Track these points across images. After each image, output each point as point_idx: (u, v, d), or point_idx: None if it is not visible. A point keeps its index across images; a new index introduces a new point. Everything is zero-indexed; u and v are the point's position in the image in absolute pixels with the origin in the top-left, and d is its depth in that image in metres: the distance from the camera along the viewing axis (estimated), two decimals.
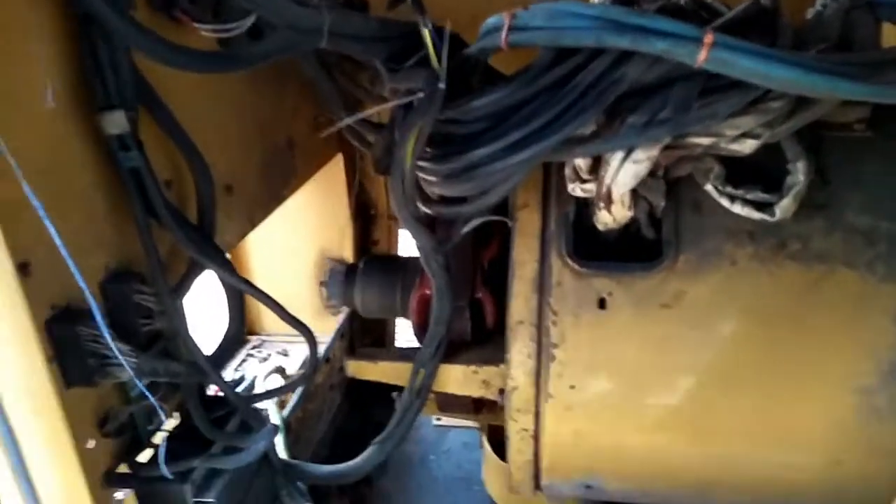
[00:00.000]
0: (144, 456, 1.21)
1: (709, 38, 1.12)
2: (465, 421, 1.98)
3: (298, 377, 1.57)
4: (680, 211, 1.34)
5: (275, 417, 2.11)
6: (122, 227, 1.15)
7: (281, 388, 1.52)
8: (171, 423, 1.27)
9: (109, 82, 1.05)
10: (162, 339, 1.20)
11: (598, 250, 1.38)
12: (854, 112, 1.36)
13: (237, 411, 1.37)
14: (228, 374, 2.88)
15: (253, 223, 1.77)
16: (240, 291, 1.36)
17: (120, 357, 1.04)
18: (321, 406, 2.49)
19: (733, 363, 1.28)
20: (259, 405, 1.73)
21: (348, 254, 2.65)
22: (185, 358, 1.22)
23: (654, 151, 1.21)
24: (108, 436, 1.15)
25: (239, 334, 1.41)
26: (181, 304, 1.25)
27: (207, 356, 1.33)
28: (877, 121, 1.36)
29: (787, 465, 1.31)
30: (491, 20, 1.33)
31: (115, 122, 1.07)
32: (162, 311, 1.16)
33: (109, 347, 1.03)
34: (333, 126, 1.61)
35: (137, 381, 1.11)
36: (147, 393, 1.13)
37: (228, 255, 2.95)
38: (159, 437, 1.23)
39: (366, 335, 2.55)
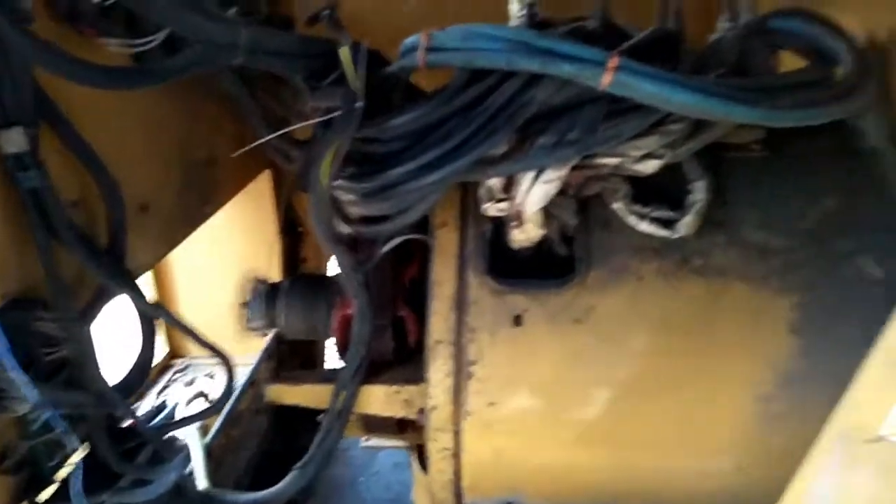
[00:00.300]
0: (47, 493, 1.15)
1: (613, 62, 1.17)
2: (394, 441, 1.96)
3: (213, 404, 1.52)
4: (591, 229, 1.39)
5: (195, 445, 2.04)
6: (24, 250, 1.09)
7: (191, 416, 1.47)
8: (77, 456, 1.20)
9: (6, 98, 1.01)
10: (67, 368, 1.14)
11: (514, 268, 1.41)
12: (751, 134, 1.44)
13: (149, 442, 1.31)
14: (150, 400, 2.78)
15: (171, 243, 1.71)
16: (151, 316, 1.31)
17: (21, 388, 0.98)
18: (246, 431, 2.42)
19: (643, 375, 1.33)
20: (180, 432, 1.67)
21: (276, 272, 2.60)
22: (93, 387, 1.17)
23: (563, 172, 1.25)
24: (6, 473, 1.09)
25: (150, 361, 1.35)
26: (88, 330, 1.20)
27: (116, 384, 1.28)
28: (773, 141, 1.44)
29: (698, 473, 1.36)
30: (409, 40, 1.35)
31: (13, 140, 1.03)
32: (67, 338, 1.11)
33: (6, 379, 0.97)
34: (254, 143, 1.58)
35: (42, 414, 1.05)
36: (50, 425, 1.07)
37: (149, 276, 2.86)
38: (63, 472, 1.16)
39: (294, 357, 2.51)
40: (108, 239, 1.26)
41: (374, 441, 2.78)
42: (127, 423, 1.30)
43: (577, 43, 1.20)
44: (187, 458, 2.01)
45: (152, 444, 1.32)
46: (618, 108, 1.24)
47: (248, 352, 2.54)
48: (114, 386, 1.26)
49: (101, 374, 1.19)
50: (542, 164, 1.24)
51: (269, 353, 2.46)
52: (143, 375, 1.32)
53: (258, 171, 2.28)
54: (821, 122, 1.23)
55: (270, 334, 2.13)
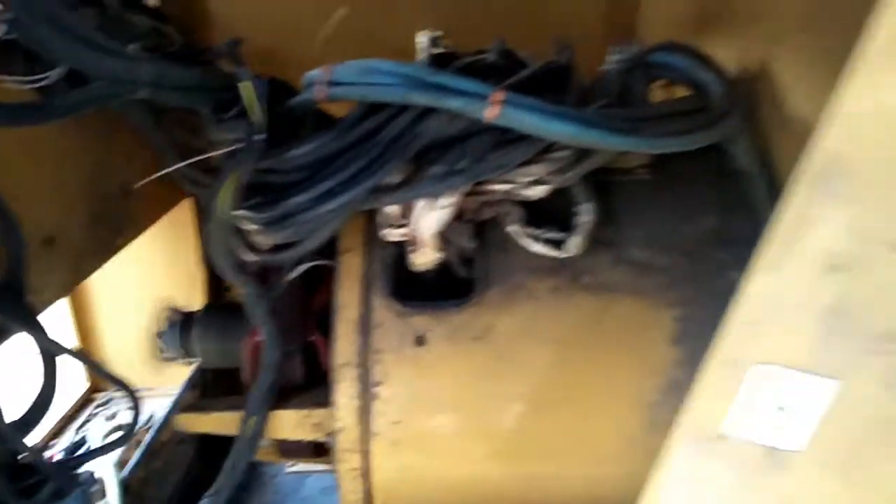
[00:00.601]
0: None
1: (497, 97, 1.25)
2: (320, 465, 1.98)
3: (117, 440, 1.51)
4: (489, 251, 1.46)
5: (110, 479, 2.00)
6: None
7: (94, 451, 1.45)
8: None
9: None
10: None
11: (418, 290, 1.46)
12: (637, 159, 1.55)
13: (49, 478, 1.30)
14: (69, 436, 2.70)
15: (80, 276, 1.70)
16: (51, 353, 1.31)
17: None
18: (169, 462, 2.38)
19: (540, 388, 1.39)
20: (95, 467, 1.65)
21: (199, 302, 2.58)
22: None
23: (456, 198, 1.32)
24: None
25: (51, 397, 1.34)
26: None
27: (14, 420, 1.26)
28: (657, 165, 1.55)
29: (594, 480, 1.44)
30: (310, 74, 1.40)
31: None
32: None
33: None
34: (159, 172, 1.60)
35: None
36: None
37: (68, 306, 2.79)
38: None
39: (219, 385, 2.49)
40: (5, 275, 1.25)
41: (301, 466, 2.78)
42: (25, 458, 1.28)
43: (465, 78, 1.28)
44: (103, 493, 1.98)
45: (54, 480, 1.30)
46: (506, 138, 1.32)
47: (176, 382, 2.51)
48: (12, 422, 1.25)
49: None
50: (435, 192, 1.31)
51: (192, 383, 2.44)
52: (42, 412, 1.31)
53: (176, 201, 2.28)
54: (690, 149, 1.35)
55: (195, 363, 2.11)
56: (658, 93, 1.75)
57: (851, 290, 0.84)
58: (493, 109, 1.24)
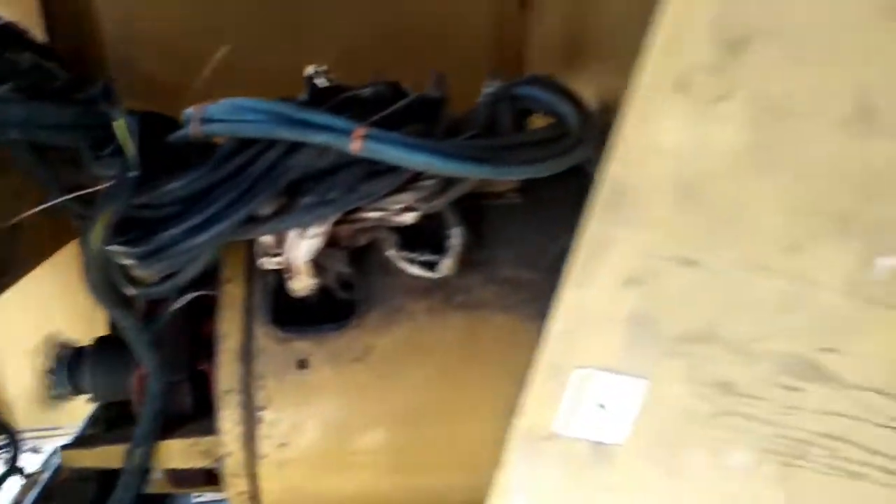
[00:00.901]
0: None
1: (360, 132, 1.34)
2: (218, 493, 1.98)
3: None
4: (369, 274, 1.53)
5: None
6: None
7: None
8: None
9: None
10: None
11: (303, 315, 1.52)
12: (506, 184, 1.67)
13: None
14: None
15: None
16: None
17: None
18: (69, 502, 2.32)
19: (419, 405, 1.47)
20: None
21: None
22: None
23: (326, 227, 1.40)
24: None
25: None
26: None
27: None
28: (526, 189, 1.67)
29: (476, 489, 1.51)
30: (187, 111, 1.46)
31: None
32: None
33: None
34: (41, 206, 1.60)
35: None
36: None
37: None
38: None
39: (121, 419, 2.45)
40: None
41: (208, 495, 2.75)
42: None
43: (330, 115, 1.36)
44: None
45: None
46: (375, 169, 1.41)
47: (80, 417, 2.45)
48: None
49: None
50: (305, 222, 1.38)
51: (94, 419, 2.40)
52: None
53: (68, 238, 2.26)
54: (545, 175, 1.47)
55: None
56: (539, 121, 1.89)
57: (647, 301, 0.96)
58: (357, 143, 1.33)
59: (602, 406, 1.02)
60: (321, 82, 1.55)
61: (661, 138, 0.87)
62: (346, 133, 1.33)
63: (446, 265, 1.49)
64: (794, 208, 0.91)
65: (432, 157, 1.36)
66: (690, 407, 1.01)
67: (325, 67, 1.57)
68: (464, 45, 2.60)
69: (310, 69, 1.55)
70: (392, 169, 1.41)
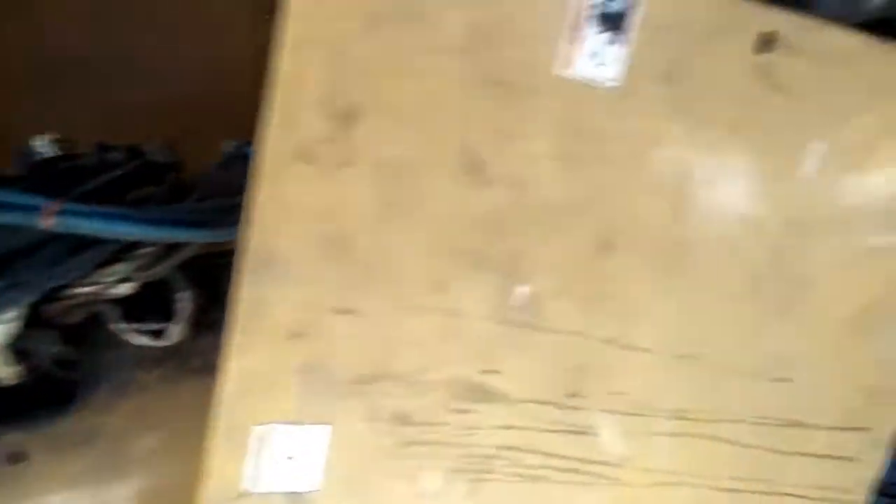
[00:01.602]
0: None
1: (51, 208, 1.30)
2: None
3: None
4: (96, 349, 1.47)
5: None
6: None
7: None
8: None
9: None
10: None
11: (19, 402, 1.42)
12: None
13: None
14: None
15: None
16: None
17: None
18: None
19: (150, 481, 1.43)
20: None
21: None
22: None
23: (21, 311, 1.33)
24: None
25: None
26: None
27: None
28: None
29: None
30: None
31: None
32: None
33: None
34: None
35: None
36: None
37: None
38: None
39: None
40: None
41: None
42: None
43: (17, 192, 1.30)
44: None
45: None
46: (80, 243, 1.36)
47: None
48: None
49: None
50: None
51: None
52: None
53: None
54: None
55: None
56: None
57: (315, 351, 1.03)
58: (48, 220, 1.28)
59: (290, 458, 1.06)
60: (45, 152, 1.49)
61: (294, 203, 0.94)
62: (35, 209, 1.29)
63: (175, 331, 1.47)
64: (432, 252, 1.03)
65: (138, 226, 1.35)
66: (375, 443, 1.09)
67: (56, 136, 1.52)
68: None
69: (37, 140, 1.48)
70: (98, 241, 1.38)
